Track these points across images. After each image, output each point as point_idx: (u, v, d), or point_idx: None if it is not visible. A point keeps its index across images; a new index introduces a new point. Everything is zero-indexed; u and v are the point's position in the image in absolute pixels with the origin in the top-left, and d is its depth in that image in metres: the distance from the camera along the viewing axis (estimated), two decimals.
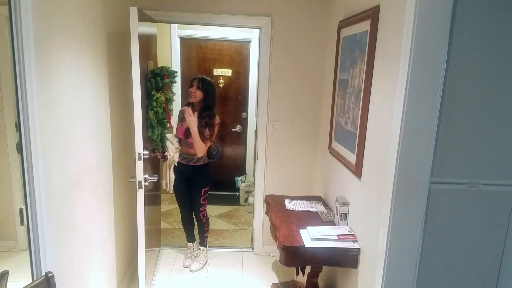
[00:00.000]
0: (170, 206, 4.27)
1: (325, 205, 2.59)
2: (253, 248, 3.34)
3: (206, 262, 3.11)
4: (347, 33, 2.30)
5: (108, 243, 2.31)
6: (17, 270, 1.81)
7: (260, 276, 2.96)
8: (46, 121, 1.48)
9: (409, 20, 1.41)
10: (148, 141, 2.43)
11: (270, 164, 3.14)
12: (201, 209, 2.97)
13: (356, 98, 2.07)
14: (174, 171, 2.87)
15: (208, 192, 2.98)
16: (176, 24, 4.14)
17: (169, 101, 2.61)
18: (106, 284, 2.28)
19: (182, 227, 3.21)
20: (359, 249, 1.95)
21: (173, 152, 2.80)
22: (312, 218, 2.34)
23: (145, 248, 2.33)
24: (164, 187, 2.90)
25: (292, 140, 3.10)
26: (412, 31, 1.39)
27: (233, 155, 4.59)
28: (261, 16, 2.88)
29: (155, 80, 2.43)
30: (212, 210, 4.15)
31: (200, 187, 2.92)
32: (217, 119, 2.86)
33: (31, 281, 1.40)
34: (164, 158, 2.78)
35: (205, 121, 2.77)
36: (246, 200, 4.42)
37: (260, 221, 3.24)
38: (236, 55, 4.36)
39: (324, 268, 2.37)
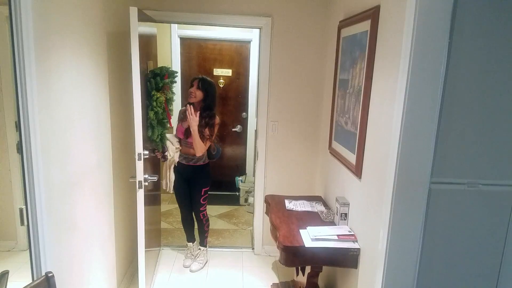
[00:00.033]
0: (170, 206, 4.27)
1: (325, 205, 2.59)
2: (253, 248, 3.34)
3: (206, 262, 3.11)
4: (347, 33, 2.30)
5: (108, 243, 2.31)
6: (17, 270, 1.81)
7: (260, 276, 2.96)
8: (46, 121, 1.48)
9: (409, 20, 1.41)
10: (148, 141, 2.43)
11: (270, 164, 3.14)
12: (201, 209, 2.97)
13: (356, 98, 2.06)
14: (174, 171, 2.87)
15: (208, 192, 2.98)
16: (176, 24, 4.14)
17: (169, 101, 2.61)
18: (106, 284, 2.28)
19: (182, 227, 3.21)
20: (359, 249, 1.95)
21: (173, 152, 2.80)
22: (312, 218, 2.34)
23: (145, 248, 2.33)
24: (164, 187, 2.90)
25: (292, 140, 3.10)
26: (412, 31, 1.39)
27: (233, 155, 4.59)
28: (261, 16, 2.88)
29: (155, 80, 2.43)
30: (212, 210, 4.15)
31: (200, 187, 2.92)
32: (217, 119, 2.86)
33: (31, 281, 1.40)
34: (164, 158, 2.78)
35: (205, 121, 2.77)
36: (246, 200, 4.42)
37: (260, 221, 3.24)
38: (236, 55, 4.36)
39: (324, 268, 2.37)
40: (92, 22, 1.97)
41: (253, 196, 3.36)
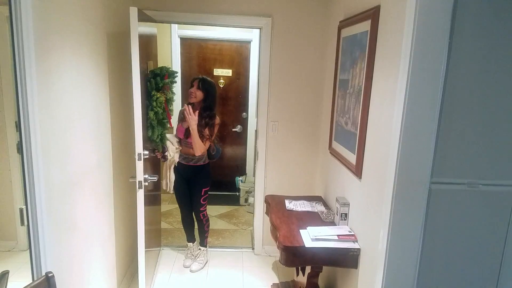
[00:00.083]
0: (170, 206, 4.27)
1: (325, 205, 2.59)
2: (253, 248, 3.34)
3: (206, 262, 3.11)
4: (347, 33, 2.30)
5: (108, 243, 2.31)
6: (17, 270, 1.81)
7: (260, 276, 2.96)
8: (46, 121, 1.48)
9: (410, 20, 1.41)
10: (148, 141, 2.43)
11: (270, 164, 3.14)
12: (201, 209, 2.97)
13: (357, 98, 2.06)
14: (174, 171, 2.87)
15: (208, 192, 2.98)
16: (176, 24, 4.14)
17: (169, 101, 2.61)
18: (106, 284, 2.28)
19: (182, 227, 3.21)
20: (359, 249, 1.95)
21: (173, 152, 2.80)
22: (312, 218, 2.34)
23: (145, 248, 2.33)
24: (164, 187, 2.90)
25: (292, 140, 3.10)
26: (412, 31, 1.39)
27: (233, 155, 4.59)
28: (261, 16, 2.89)
29: (155, 80, 2.43)
30: (212, 210, 4.15)
31: (200, 187, 2.92)
32: (218, 119, 2.86)
33: (31, 281, 1.40)
34: (164, 158, 2.78)
35: (205, 121, 2.77)
36: (246, 200, 4.42)
37: (260, 221, 3.24)
38: (237, 55, 4.36)
39: (324, 268, 2.37)
40: (92, 22, 1.97)
41: (253, 196, 3.36)
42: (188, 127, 2.73)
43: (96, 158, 2.06)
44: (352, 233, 2.06)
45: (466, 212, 1.56)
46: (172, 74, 2.62)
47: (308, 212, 2.45)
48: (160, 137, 2.54)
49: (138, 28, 2.08)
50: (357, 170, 2.01)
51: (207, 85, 2.80)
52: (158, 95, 2.42)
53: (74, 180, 1.78)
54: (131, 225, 2.69)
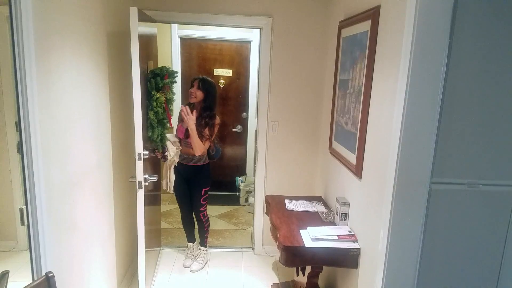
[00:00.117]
0: (170, 206, 4.27)
1: (326, 205, 2.59)
2: (253, 248, 3.34)
3: (207, 262, 3.11)
4: (347, 33, 2.30)
5: (108, 243, 2.31)
6: (18, 270, 1.81)
7: (260, 276, 2.96)
8: (46, 121, 1.48)
9: (410, 21, 1.41)
10: (148, 141, 2.43)
11: (270, 164, 3.14)
12: (201, 209, 2.97)
13: (357, 98, 2.06)
14: (174, 171, 2.87)
15: (208, 192, 2.98)
16: (176, 24, 4.14)
17: (169, 101, 2.61)
18: (106, 284, 2.28)
19: (182, 227, 3.21)
20: (359, 249, 1.95)
21: (173, 152, 2.80)
22: (312, 218, 2.34)
23: (145, 248, 2.33)
24: (164, 187, 2.90)
25: (292, 140, 3.10)
26: (412, 32, 1.39)
27: (234, 155, 4.59)
28: (261, 16, 2.89)
29: (155, 80, 2.43)
30: (213, 210, 4.15)
31: (200, 187, 2.92)
32: (218, 119, 2.86)
33: (31, 281, 1.40)
34: (164, 158, 2.78)
35: (205, 121, 2.77)
36: (246, 200, 4.42)
37: (260, 221, 3.24)
38: (237, 55, 4.36)
39: (324, 268, 2.37)
40: (92, 22, 1.97)
41: (253, 196, 3.36)
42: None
43: (96, 158, 2.06)
44: (352, 233, 2.06)
45: (466, 212, 1.56)
46: (172, 74, 2.62)
47: (308, 212, 2.45)
48: (160, 137, 2.54)
49: (138, 28, 2.08)
50: (357, 170, 2.01)
51: (207, 85, 2.80)
52: (158, 95, 2.42)
53: (74, 180, 1.78)
54: (131, 225, 2.69)
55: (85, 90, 1.89)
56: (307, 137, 3.10)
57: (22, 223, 1.45)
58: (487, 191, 1.54)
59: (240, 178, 4.46)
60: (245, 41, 4.30)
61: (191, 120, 2.66)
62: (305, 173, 3.15)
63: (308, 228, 2.11)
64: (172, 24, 4.13)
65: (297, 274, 2.52)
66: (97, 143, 2.08)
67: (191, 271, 2.99)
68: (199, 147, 2.73)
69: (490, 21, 1.41)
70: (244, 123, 4.48)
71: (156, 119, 2.44)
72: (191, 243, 3.16)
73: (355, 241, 2.00)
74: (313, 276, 2.29)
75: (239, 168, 4.63)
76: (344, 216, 2.18)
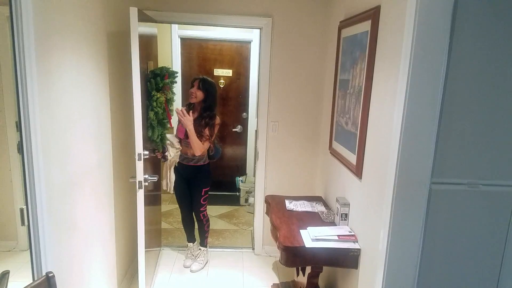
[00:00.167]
0: (170, 206, 4.27)
1: (326, 205, 2.59)
2: (253, 249, 3.34)
3: (207, 262, 3.11)
4: (347, 33, 2.30)
5: (108, 243, 2.31)
6: (18, 270, 1.81)
7: (261, 276, 2.96)
8: (46, 121, 1.48)
9: (410, 21, 1.41)
10: (148, 141, 2.43)
11: (270, 165, 3.14)
12: (201, 209, 2.97)
13: (357, 99, 2.06)
14: (175, 171, 2.87)
15: (209, 192, 2.98)
16: (176, 24, 4.14)
17: (169, 101, 2.61)
18: (106, 284, 2.28)
19: (182, 227, 3.21)
20: (359, 249, 1.95)
21: (173, 152, 2.80)
22: (312, 219, 2.34)
23: (145, 248, 2.33)
24: (164, 188, 2.90)
25: (292, 140, 3.10)
26: (412, 32, 1.39)
27: (234, 156, 4.59)
28: (261, 17, 2.89)
29: (155, 81, 2.43)
30: (213, 210, 4.15)
31: (200, 187, 2.92)
32: (218, 119, 2.86)
33: (31, 281, 1.40)
34: (164, 158, 2.78)
35: (205, 121, 2.77)
36: (246, 200, 4.42)
37: (260, 221, 3.24)
38: (237, 56, 4.36)
39: (325, 268, 2.37)
40: (93, 22, 1.97)
41: (254, 196, 3.36)
42: None
43: (96, 158, 2.06)
44: (352, 233, 2.06)
45: (467, 213, 1.56)
46: (172, 74, 2.62)
47: (308, 212, 2.45)
48: (160, 137, 2.54)
49: (138, 28, 2.09)
50: (358, 170, 2.01)
51: (208, 85, 2.80)
52: (158, 95, 2.42)
53: (74, 180, 1.78)
54: (131, 225, 2.69)
55: (85, 90, 1.89)
56: (307, 137, 3.10)
57: (23, 223, 1.45)
58: (487, 191, 1.54)
59: (240, 178, 4.46)
60: (245, 41, 4.30)
61: (188, 120, 2.66)
62: (305, 173, 3.15)
63: (308, 228, 2.11)
64: (172, 24, 4.13)
65: (297, 274, 2.52)
66: (97, 143, 2.08)
67: (191, 271, 2.99)
68: (198, 147, 2.73)
69: (490, 21, 1.41)
70: (244, 123, 4.48)
71: (156, 119, 2.44)
72: (191, 243, 3.16)
73: (355, 241, 2.00)
74: (313, 276, 2.29)
75: (239, 168, 4.63)
76: (344, 216, 2.18)
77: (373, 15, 1.83)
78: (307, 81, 3.00)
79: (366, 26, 1.93)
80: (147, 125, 2.41)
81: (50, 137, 1.52)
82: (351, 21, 2.21)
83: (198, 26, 3.83)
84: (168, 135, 2.73)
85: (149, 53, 2.58)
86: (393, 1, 1.64)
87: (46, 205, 1.47)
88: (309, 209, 2.49)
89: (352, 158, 2.11)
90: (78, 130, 1.81)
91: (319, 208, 2.51)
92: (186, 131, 2.80)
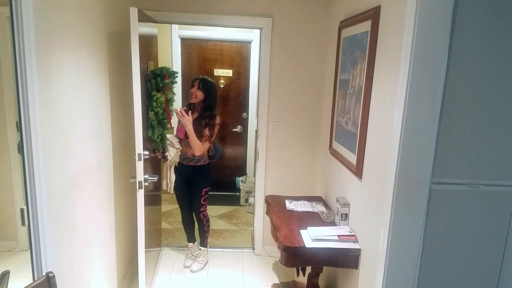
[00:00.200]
0: (170, 206, 4.27)
1: (326, 205, 2.59)
2: (253, 249, 3.34)
3: (207, 262, 3.11)
4: (347, 33, 2.30)
5: (108, 243, 2.31)
6: (18, 270, 1.81)
7: (261, 276, 2.96)
8: (46, 121, 1.48)
9: (410, 21, 1.41)
10: (148, 141, 2.43)
11: (270, 165, 3.14)
12: (201, 209, 2.97)
13: (357, 99, 2.06)
14: (175, 172, 2.87)
15: (209, 193, 2.99)
16: (176, 25, 4.14)
17: (169, 101, 2.61)
18: (106, 284, 2.28)
19: (182, 227, 3.21)
20: (359, 249, 1.95)
21: (173, 152, 2.80)
22: (312, 219, 2.34)
23: (146, 248, 2.33)
24: (164, 188, 2.90)
25: (292, 140, 3.10)
26: (412, 32, 1.39)
27: (234, 156, 4.59)
28: (261, 17, 2.89)
29: (156, 81, 2.43)
30: (213, 211, 4.15)
31: (200, 187, 2.92)
32: (218, 120, 2.86)
33: (32, 281, 1.40)
34: (164, 158, 2.78)
35: (205, 121, 2.77)
36: (246, 200, 4.42)
37: (260, 221, 3.24)
38: (237, 56, 4.36)
39: (325, 268, 2.37)
40: (93, 22, 1.97)
41: (254, 197, 3.36)
42: None
43: (96, 158, 2.06)
44: (353, 233, 2.06)
45: (467, 213, 1.56)
46: (172, 75, 2.62)
47: (308, 212, 2.44)
48: (160, 137, 2.54)
49: (138, 29, 2.09)
50: (358, 171, 2.01)
51: (208, 85, 2.80)
52: (158, 96, 2.43)
53: (75, 180, 1.78)
54: (132, 225, 2.70)
55: (86, 90, 1.89)
56: (307, 137, 3.10)
57: (23, 223, 1.45)
58: (488, 191, 1.54)
59: (241, 178, 4.46)
60: (246, 41, 4.30)
61: (188, 121, 2.66)
62: (306, 173, 3.15)
63: (309, 228, 2.11)
64: (172, 25, 4.13)
65: (298, 275, 2.52)
66: (98, 143, 2.08)
67: (191, 271, 2.99)
68: (198, 147, 2.73)
69: (491, 21, 1.41)
70: (244, 123, 4.48)
71: (156, 119, 2.44)
72: (191, 243, 3.16)
73: (356, 241, 2.00)
74: (313, 277, 2.30)
75: (239, 168, 4.63)
76: (345, 216, 2.18)
77: (373, 15, 1.83)
78: (307, 81, 3.00)
79: (366, 26, 1.93)
80: (147, 125, 2.41)
81: (50, 137, 1.52)
82: (351, 21, 2.21)
83: (198, 26, 3.83)
84: (168, 135, 2.73)
85: (149, 53, 2.58)
86: (393, 1, 1.64)
87: (46, 205, 1.47)
88: (309, 209, 2.49)
89: (352, 158, 2.10)
90: (78, 130, 1.81)
91: (319, 208, 2.51)
92: (186, 131, 2.80)
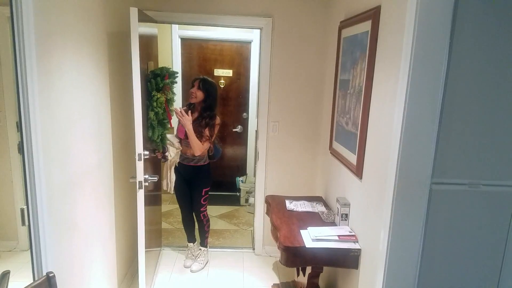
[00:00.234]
0: (171, 206, 4.27)
1: (326, 205, 2.59)
2: (253, 249, 3.34)
3: (207, 262, 3.11)
4: (348, 33, 2.30)
5: (109, 243, 2.31)
6: (18, 270, 1.81)
7: (261, 276, 2.95)
8: (47, 121, 1.48)
9: (410, 21, 1.41)
10: (148, 141, 2.43)
11: (270, 165, 3.14)
12: (201, 209, 2.97)
13: (357, 99, 2.06)
14: (175, 172, 2.87)
15: (209, 193, 2.99)
16: (177, 25, 4.14)
17: (169, 101, 2.61)
18: (106, 284, 2.28)
19: (182, 227, 3.21)
20: (360, 249, 1.95)
21: (173, 152, 2.81)
22: (312, 219, 2.34)
23: (146, 248, 2.33)
24: (165, 188, 2.90)
25: (292, 140, 3.10)
26: (413, 32, 1.39)
27: (234, 156, 4.59)
28: (261, 17, 2.89)
29: (156, 81, 2.43)
30: (213, 211, 4.15)
31: (200, 187, 2.92)
32: (218, 120, 2.86)
33: (32, 281, 1.40)
34: (165, 158, 2.78)
35: (205, 121, 2.77)
36: (246, 200, 4.42)
37: (260, 221, 3.24)
38: (237, 56, 4.36)
39: (325, 268, 2.37)
40: (93, 22, 1.97)
41: (254, 197, 3.36)
42: None
43: (96, 158, 2.06)
44: (353, 233, 2.06)
45: (467, 213, 1.56)
46: (172, 75, 2.62)
47: (308, 212, 2.44)
48: (160, 137, 2.54)
49: (138, 29, 2.09)
50: (358, 171, 2.01)
51: (208, 85, 2.80)
52: (159, 96, 2.43)
53: (75, 180, 1.78)
54: (132, 225, 2.70)
55: (86, 90, 1.89)
56: (307, 137, 3.10)
57: (23, 223, 1.45)
58: (488, 191, 1.54)
59: (241, 178, 4.46)
60: (246, 41, 4.30)
61: (187, 120, 2.66)
62: (306, 173, 3.15)
63: (309, 228, 2.11)
64: (172, 25, 4.13)
65: (298, 275, 2.52)
66: (98, 143, 2.08)
67: (191, 271, 2.99)
68: (197, 147, 2.73)
69: (491, 21, 1.41)
70: (244, 123, 4.48)
71: (156, 120, 2.44)
72: (191, 243, 3.16)
73: (356, 241, 2.00)
74: (313, 277, 2.29)
75: (240, 168, 4.63)
76: (345, 217, 2.18)
77: (374, 15, 1.83)
78: (308, 81, 3.00)
79: (366, 26, 1.93)
80: (147, 125, 2.41)
81: (51, 137, 1.52)
82: (352, 21, 2.21)
83: (199, 26, 3.83)
84: (168, 135, 2.73)
85: (150, 53, 2.58)
86: (394, 1, 1.64)
87: (46, 205, 1.47)
88: (309, 209, 2.49)
89: (353, 158, 2.10)
90: (79, 130, 1.81)
91: (319, 208, 2.51)
92: (186, 131, 2.81)
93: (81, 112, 1.83)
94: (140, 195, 2.22)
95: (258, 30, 3.05)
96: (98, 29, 2.03)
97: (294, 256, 1.99)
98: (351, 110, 2.17)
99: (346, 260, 1.97)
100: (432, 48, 1.40)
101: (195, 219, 3.08)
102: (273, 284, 2.82)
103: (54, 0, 1.54)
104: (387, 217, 1.56)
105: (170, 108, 2.65)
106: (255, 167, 3.26)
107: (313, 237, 2.00)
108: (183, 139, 2.86)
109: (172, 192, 2.92)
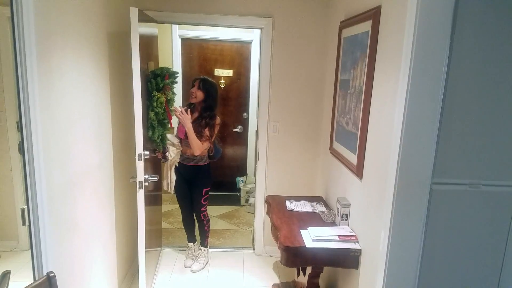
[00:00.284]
0: (171, 206, 4.27)
1: (326, 205, 2.59)
2: (254, 249, 3.34)
3: (207, 262, 3.11)
4: (348, 33, 2.30)
5: (109, 243, 2.32)
6: (19, 270, 1.82)
7: (261, 276, 2.96)
8: (47, 122, 1.48)
9: (411, 21, 1.41)
10: (148, 141, 2.43)
11: (271, 165, 3.14)
12: (202, 209, 2.98)
13: (357, 99, 2.06)
14: (175, 172, 2.87)
15: (209, 193, 2.99)
16: (177, 25, 4.14)
17: (170, 101, 2.61)
18: (107, 284, 2.29)
19: (183, 227, 3.21)
20: (360, 249, 1.95)
21: (174, 152, 2.81)
22: (313, 219, 2.34)
23: (146, 248, 2.33)
24: (165, 188, 2.90)
25: (293, 140, 3.10)
26: (413, 32, 1.39)
27: (234, 156, 4.59)
28: (262, 17, 2.89)
29: (156, 81, 2.43)
30: (213, 211, 4.15)
31: (201, 187, 2.92)
32: (218, 120, 2.86)
33: (32, 281, 1.40)
34: (165, 158, 2.78)
35: (205, 121, 2.77)
36: (247, 200, 4.42)
37: (261, 221, 3.24)
38: (237, 56, 4.36)
39: (325, 268, 2.37)
40: (93, 22, 1.97)
41: (254, 197, 3.36)
42: None
43: (97, 158, 2.06)
44: (353, 233, 2.06)
45: (468, 213, 1.56)
46: (172, 75, 2.62)
47: (309, 212, 2.44)
48: (160, 137, 2.54)
49: (138, 29, 2.09)
50: (358, 171, 2.01)
51: (208, 85, 2.80)
52: (159, 96, 2.43)
53: (75, 180, 1.78)
54: (132, 225, 2.70)
55: (86, 90, 1.89)
56: (307, 137, 3.09)
57: (24, 223, 1.45)
58: (488, 192, 1.54)
59: (241, 179, 4.46)
60: (246, 41, 4.30)
61: (187, 119, 2.66)
62: (306, 173, 3.15)
63: (309, 228, 2.11)
64: (172, 25, 4.13)
65: (298, 275, 2.52)
66: (98, 143, 2.08)
67: (191, 271, 2.99)
68: (197, 146, 2.73)
69: (491, 21, 1.41)
70: (244, 123, 4.48)
71: (156, 120, 2.44)
72: (191, 243, 3.16)
73: (356, 241, 2.00)
74: (314, 277, 2.29)
75: (240, 168, 4.63)
76: (345, 217, 2.18)
77: (374, 15, 1.83)
78: (308, 81, 3.00)
79: (366, 26, 1.93)
80: (148, 125, 2.41)
81: (51, 138, 1.52)
82: (352, 21, 2.21)
83: (199, 27, 3.83)
84: (168, 135, 2.73)
85: (150, 53, 2.58)
86: (394, 1, 1.64)
87: (47, 205, 1.47)
88: (309, 209, 2.49)
89: (353, 158, 2.10)
90: (79, 130, 1.81)
91: (319, 208, 2.51)
92: (186, 130, 2.81)
93: (81, 112, 1.83)
94: (141, 195, 2.22)
95: (258, 30, 3.05)
96: (98, 29, 2.03)
97: (294, 256, 1.99)
98: (352, 110, 2.17)
99: (346, 260, 1.97)
100: (433, 48, 1.40)
101: (196, 219, 3.08)
102: (274, 284, 2.82)
103: (54, 0, 1.54)
104: (387, 217, 1.56)
105: (170, 108, 2.65)
106: (255, 167, 3.26)
107: (313, 237, 2.00)
108: (183, 139, 2.86)
109: (173, 192, 2.92)
